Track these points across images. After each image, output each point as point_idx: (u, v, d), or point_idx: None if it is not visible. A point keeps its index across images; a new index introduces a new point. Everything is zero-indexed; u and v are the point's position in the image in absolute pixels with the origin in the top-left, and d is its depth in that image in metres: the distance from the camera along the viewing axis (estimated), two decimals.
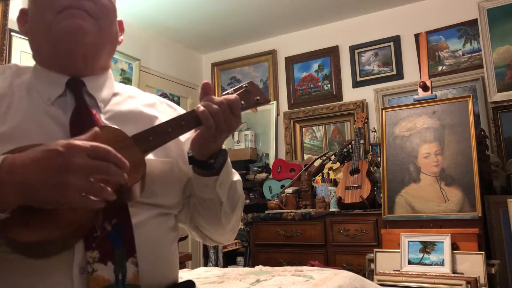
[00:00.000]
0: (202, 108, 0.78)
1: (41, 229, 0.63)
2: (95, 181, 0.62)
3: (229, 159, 0.88)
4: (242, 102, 0.84)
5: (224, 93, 0.84)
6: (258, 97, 0.87)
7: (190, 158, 0.83)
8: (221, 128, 0.79)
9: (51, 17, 0.80)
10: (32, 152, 0.63)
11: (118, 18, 0.93)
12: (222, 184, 0.86)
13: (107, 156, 0.64)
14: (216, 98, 0.80)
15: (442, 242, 2.21)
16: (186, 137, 0.90)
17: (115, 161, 0.64)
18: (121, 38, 0.95)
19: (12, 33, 2.63)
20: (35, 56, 0.88)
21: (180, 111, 1.00)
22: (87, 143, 0.63)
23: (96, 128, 0.70)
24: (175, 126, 0.79)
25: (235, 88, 0.86)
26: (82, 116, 0.79)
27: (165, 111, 0.95)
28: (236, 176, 0.94)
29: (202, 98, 0.81)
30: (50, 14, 0.80)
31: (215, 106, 0.78)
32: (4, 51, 2.53)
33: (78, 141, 0.63)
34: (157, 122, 0.87)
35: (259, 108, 0.91)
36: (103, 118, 0.82)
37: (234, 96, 0.82)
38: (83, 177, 0.61)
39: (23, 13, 0.89)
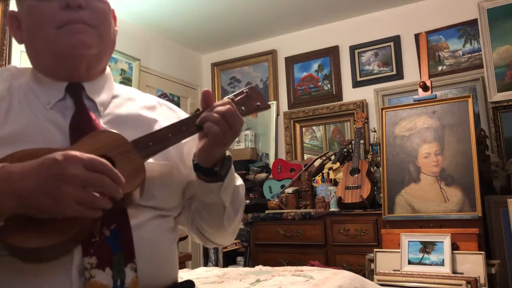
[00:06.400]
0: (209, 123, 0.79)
1: (40, 235, 0.63)
2: (90, 191, 0.63)
3: (232, 165, 0.89)
4: (242, 107, 0.84)
5: (224, 98, 0.84)
6: (258, 103, 0.86)
7: (195, 166, 0.84)
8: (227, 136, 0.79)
9: (53, 33, 0.79)
10: (30, 161, 0.64)
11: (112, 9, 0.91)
12: (226, 190, 0.87)
13: (103, 169, 0.65)
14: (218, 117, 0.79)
15: (442, 242, 2.21)
16: (185, 140, 0.90)
17: (110, 175, 0.65)
18: (116, 28, 0.93)
19: None
20: (34, 64, 0.87)
21: (180, 113, 1.00)
22: (85, 155, 0.64)
23: (96, 132, 0.70)
24: (175, 132, 0.79)
25: (235, 93, 0.86)
26: (82, 121, 0.79)
27: (165, 114, 0.95)
28: (239, 181, 0.95)
29: (203, 107, 0.81)
30: (50, 29, 0.79)
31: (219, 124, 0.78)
32: (4, 51, 2.53)
33: (76, 152, 0.64)
34: (157, 125, 0.88)
35: None
36: (102, 122, 0.82)
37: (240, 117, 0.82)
38: (78, 187, 0.62)
39: (13, 17, 0.86)
